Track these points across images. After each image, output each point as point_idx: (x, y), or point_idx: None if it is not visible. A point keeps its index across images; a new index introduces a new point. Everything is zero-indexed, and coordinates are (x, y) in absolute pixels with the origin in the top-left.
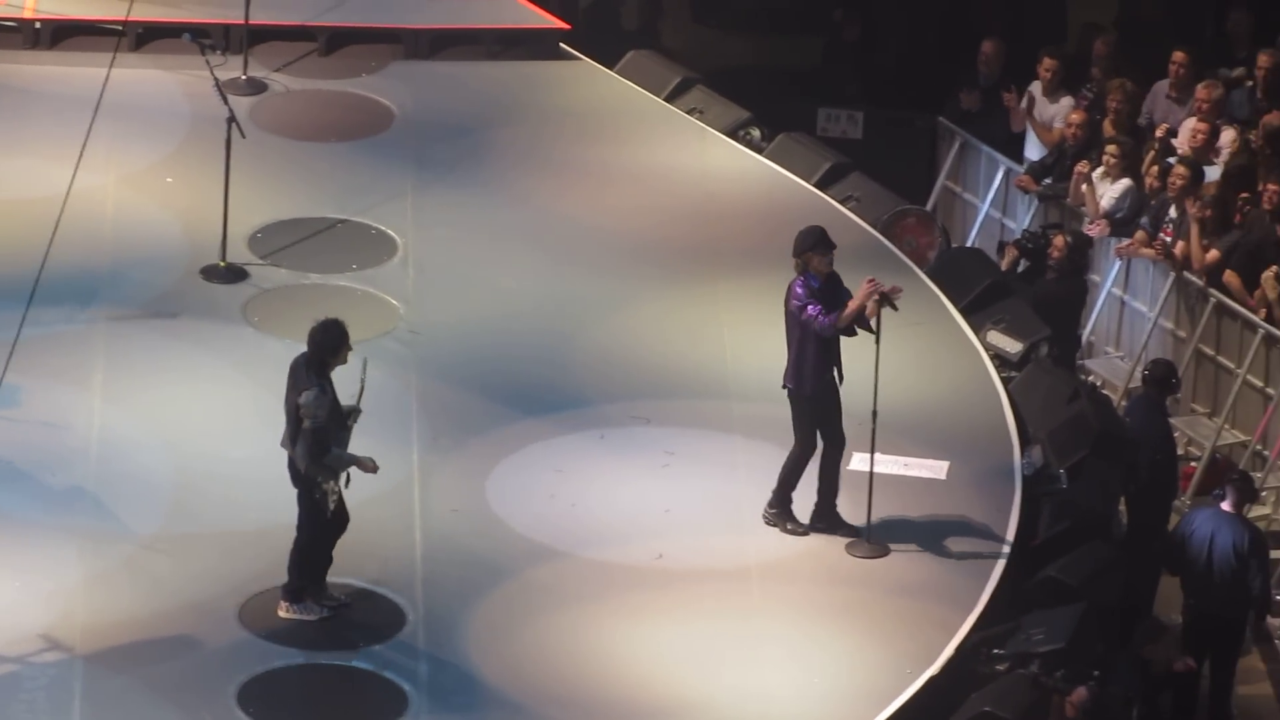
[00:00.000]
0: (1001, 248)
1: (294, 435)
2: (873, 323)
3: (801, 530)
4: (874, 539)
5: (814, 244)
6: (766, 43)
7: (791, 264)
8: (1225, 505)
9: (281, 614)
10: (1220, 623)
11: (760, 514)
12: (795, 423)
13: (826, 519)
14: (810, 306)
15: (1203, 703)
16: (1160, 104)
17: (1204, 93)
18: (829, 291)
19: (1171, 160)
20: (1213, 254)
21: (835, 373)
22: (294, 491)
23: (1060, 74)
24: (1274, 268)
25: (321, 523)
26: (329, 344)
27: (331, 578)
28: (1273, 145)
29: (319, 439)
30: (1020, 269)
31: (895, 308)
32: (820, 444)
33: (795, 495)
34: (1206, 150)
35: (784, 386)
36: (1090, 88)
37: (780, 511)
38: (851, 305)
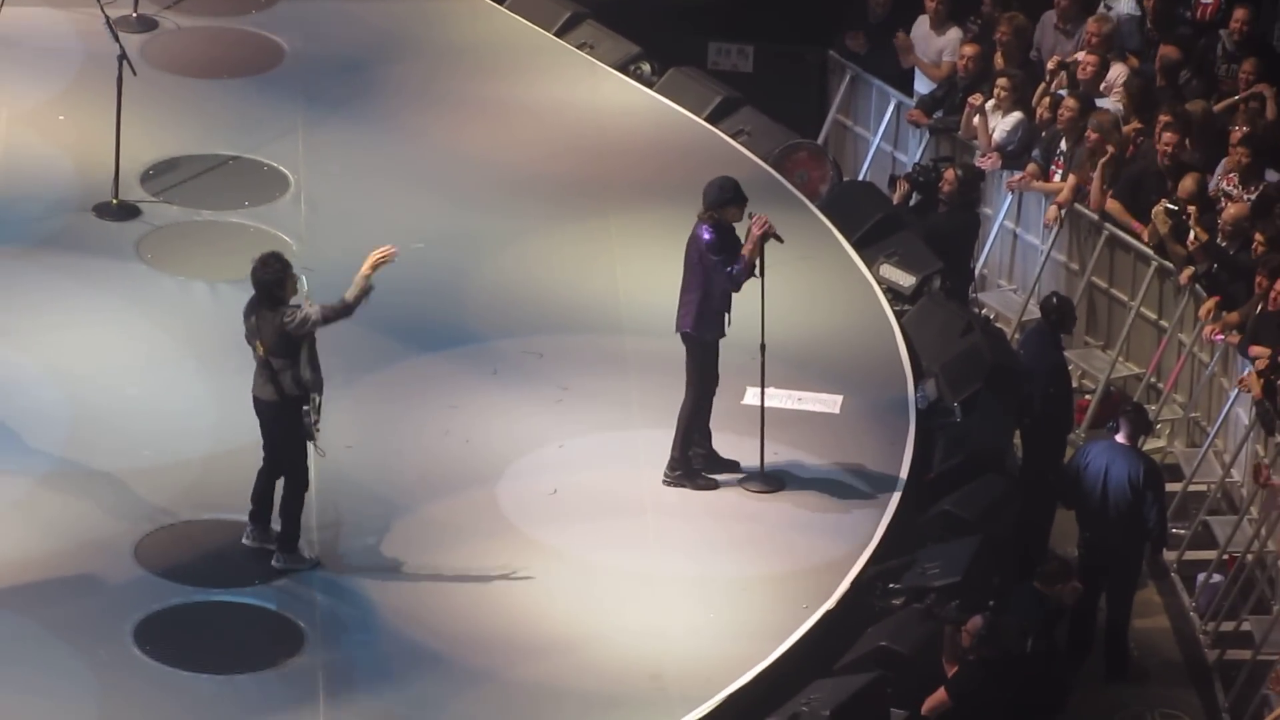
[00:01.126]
0: (893, 181)
1: (272, 374)
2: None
3: (711, 484)
4: (768, 474)
5: (734, 197)
6: None
7: (695, 210)
8: (1119, 437)
9: (276, 565)
10: (1116, 556)
11: (663, 474)
12: (692, 369)
13: (713, 462)
14: (734, 263)
15: (1099, 636)
16: (1049, 35)
17: (1094, 26)
18: (729, 239)
19: (1062, 93)
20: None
21: (728, 316)
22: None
23: (947, 6)
24: (1163, 201)
25: (303, 455)
26: (272, 278)
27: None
28: (1168, 78)
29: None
30: (912, 203)
31: (781, 239)
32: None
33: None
34: (1096, 83)
35: (681, 331)
36: (975, 20)
37: (684, 472)
38: (749, 248)
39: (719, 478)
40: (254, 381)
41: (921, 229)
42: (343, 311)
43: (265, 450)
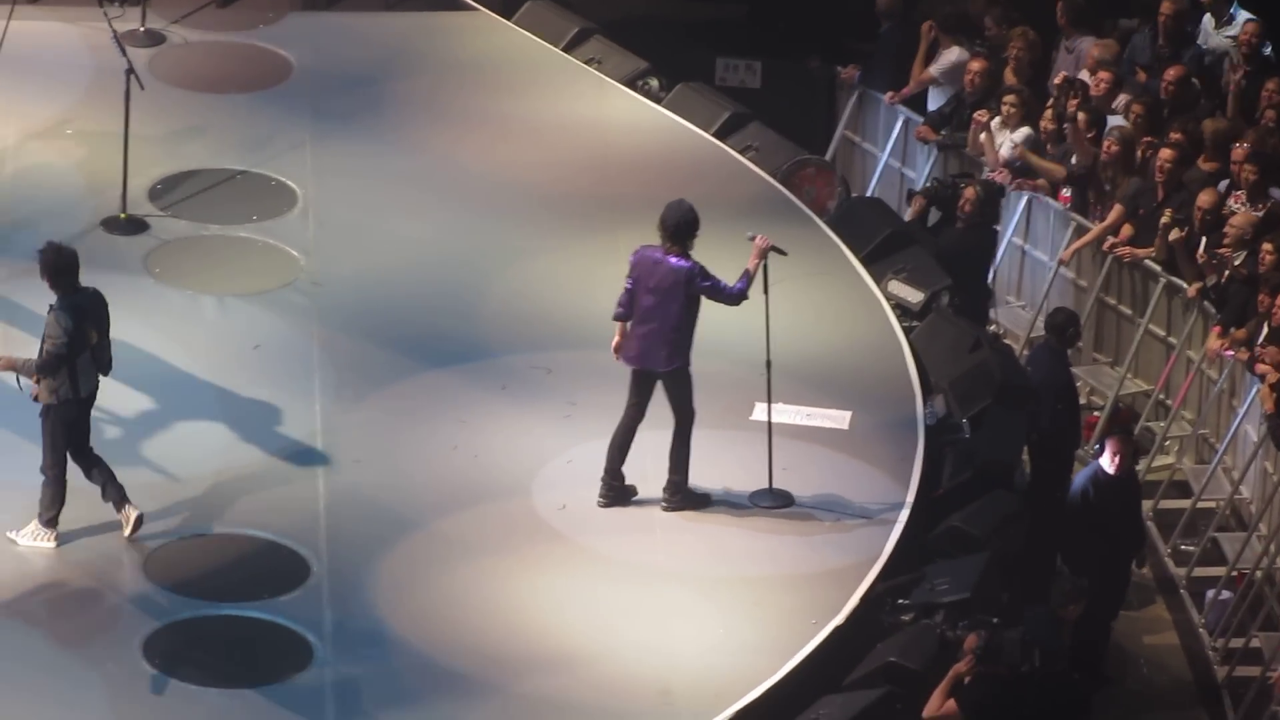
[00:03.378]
0: (909, 197)
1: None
2: (759, 274)
3: (707, 500)
4: (776, 490)
5: (697, 226)
6: None
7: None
8: (1104, 463)
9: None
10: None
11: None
12: (679, 398)
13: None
14: (731, 282)
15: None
16: (1064, 62)
17: (1097, 50)
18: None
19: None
20: (1116, 209)
21: None
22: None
23: (935, 30)
24: (1169, 210)
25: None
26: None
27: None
28: (1177, 100)
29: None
30: (930, 218)
31: (783, 252)
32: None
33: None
34: (1109, 99)
35: (669, 369)
36: (981, 43)
37: (685, 496)
38: (754, 262)
39: (729, 488)
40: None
41: (938, 245)
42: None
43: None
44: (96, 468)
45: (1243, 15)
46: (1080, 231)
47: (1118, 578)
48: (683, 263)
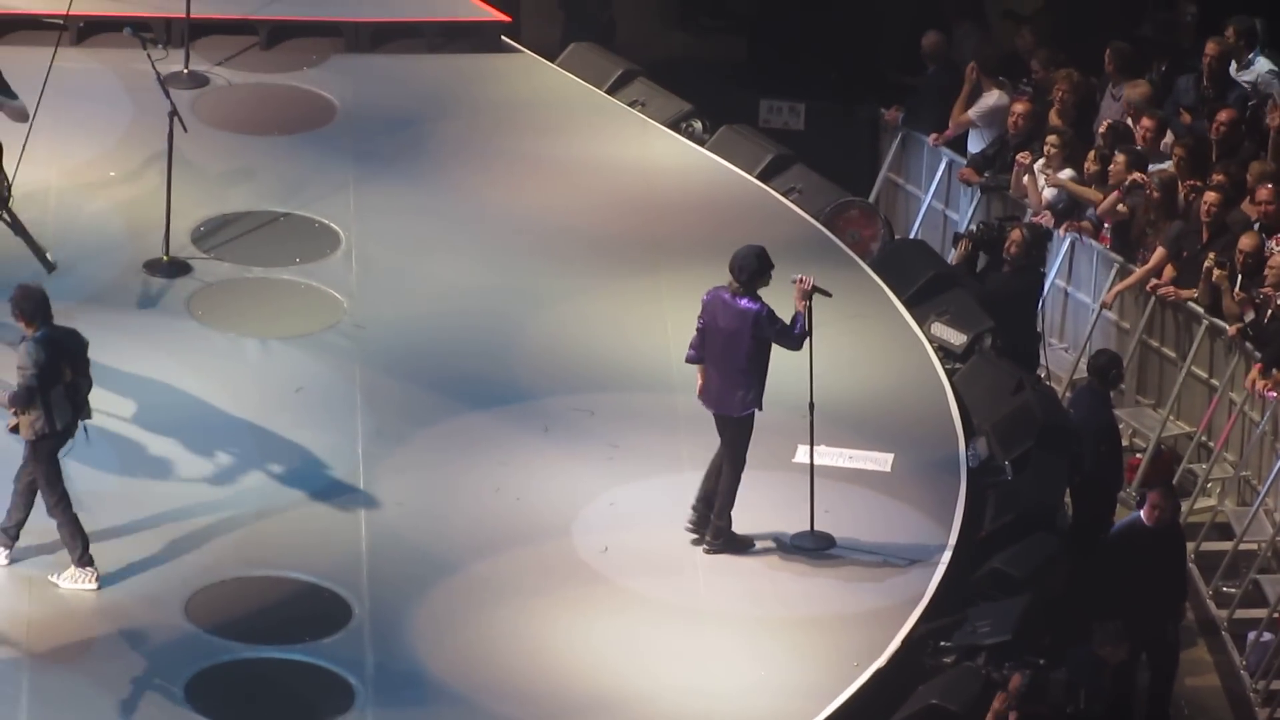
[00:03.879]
0: (955, 240)
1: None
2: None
3: (750, 544)
4: (819, 532)
5: (768, 267)
6: (709, 37)
7: (735, 285)
8: (1142, 514)
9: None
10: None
11: (704, 548)
12: (735, 445)
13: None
14: (789, 324)
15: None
16: (1110, 107)
17: (1134, 94)
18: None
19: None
20: (1159, 252)
21: None
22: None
23: (977, 73)
24: (1212, 255)
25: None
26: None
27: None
28: (1226, 142)
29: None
30: (979, 262)
31: (828, 294)
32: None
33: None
34: (1155, 144)
35: (741, 415)
36: (1027, 82)
37: (727, 540)
38: (801, 305)
39: (773, 531)
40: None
41: (985, 289)
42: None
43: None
44: (19, 507)
45: (1262, 61)
46: (1123, 274)
47: (1158, 635)
48: (750, 305)
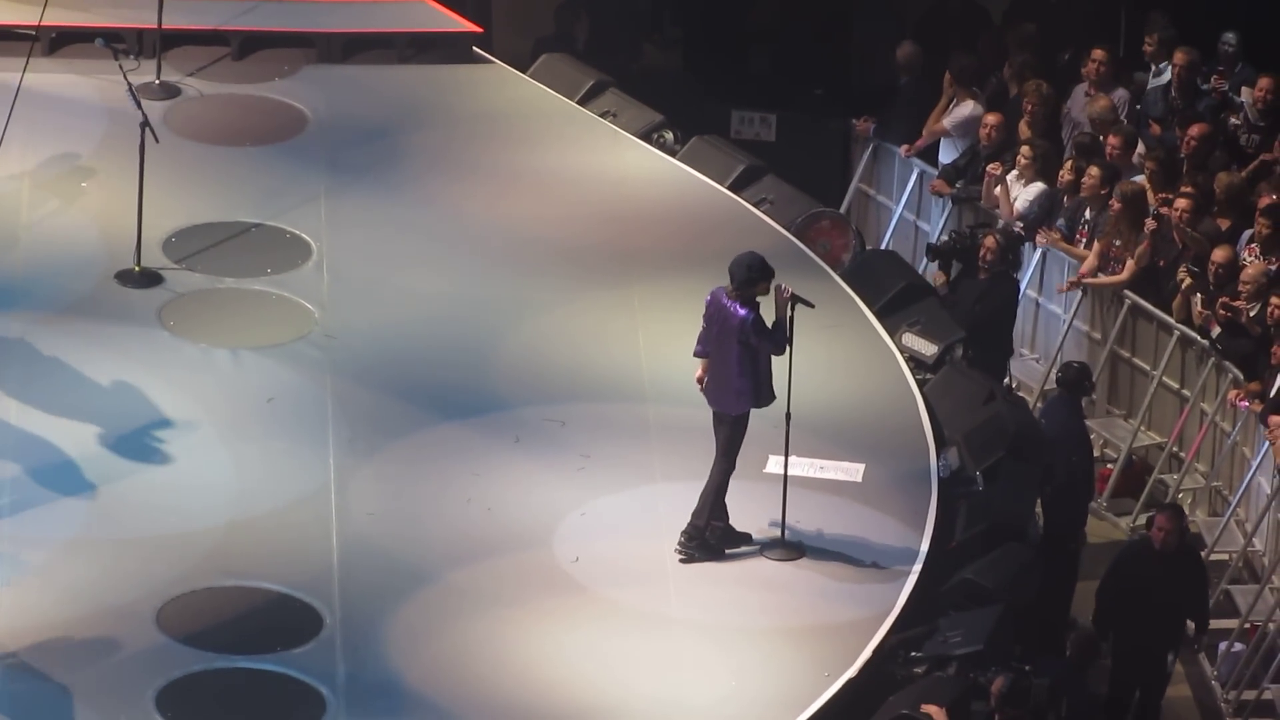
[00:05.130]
0: (929, 251)
1: None
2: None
3: (721, 555)
4: (789, 542)
5: (763, 274)
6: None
7: (716, 279)
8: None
9: None
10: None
11: (676, 551)
12: (726, 444)
13: (730, 536)
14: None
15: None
16: (1079, 102)
17: (1091, 107)
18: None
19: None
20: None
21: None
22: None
23: (963, 78)
24: (1184, 266)
25: None
26: None
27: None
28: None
29: None
30: (952, 271)
31: (811, 304)
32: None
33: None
34: (1126, 157)
35: (735, 415)
36: (997, 82)
37: (700, 543)
38: (780, 314)
39: (735, 550)
40: None
41: (960, 297)
42: None
43: None
44: None
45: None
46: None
47: (1157, 659)
48: (741, 311)
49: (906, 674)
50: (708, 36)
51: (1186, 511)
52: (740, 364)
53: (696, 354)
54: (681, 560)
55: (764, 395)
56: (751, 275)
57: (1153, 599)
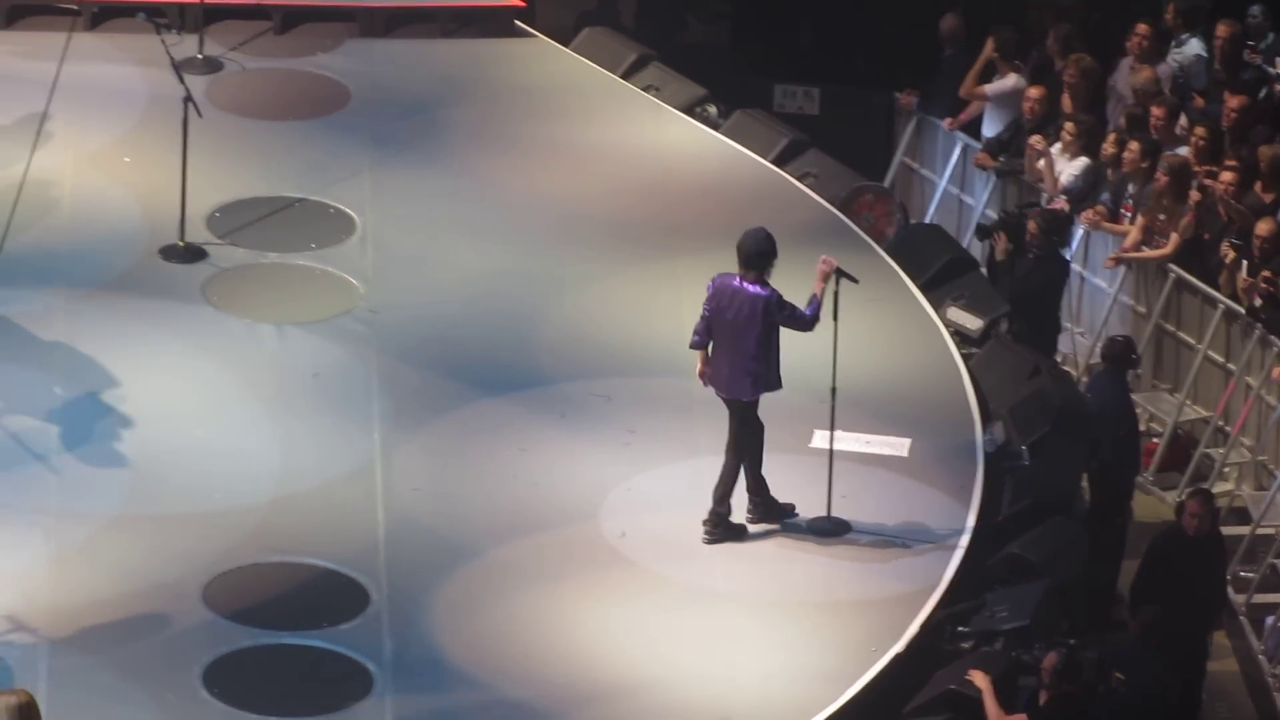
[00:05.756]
0: (982, 231)
1: None
2: (829, 299)
3: (744, 532)
4: (835, 517)
5: (775, 250)
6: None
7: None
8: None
9: None
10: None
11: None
12: (746, 428)
13: (771, 509)
14: (801, 308)
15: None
16: (1124, 76)
17: (1134, 78)
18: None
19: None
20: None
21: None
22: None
23: (1006, 50)
24: (1227, 241)
25: None
26: None
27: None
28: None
29: None
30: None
31: (855, 279)
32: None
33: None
34: (1169, 130)
35: (751, 400)
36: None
37: (726, 528)
38: (818, 288)
39: (773, 525)
40: None
41: (1011, 278)
42: None
43: None
44: None
45: (1194, 42)
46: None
47: (1192, 644)
48: (760, 291)
49: (953, 649)
50: (755, 10)
51: (1233, 485)
52: (760, 347)
53: (694, 345)
54: (706, 541)
55: (776, 379)
56: (769, 249)
57: (1188, 583)
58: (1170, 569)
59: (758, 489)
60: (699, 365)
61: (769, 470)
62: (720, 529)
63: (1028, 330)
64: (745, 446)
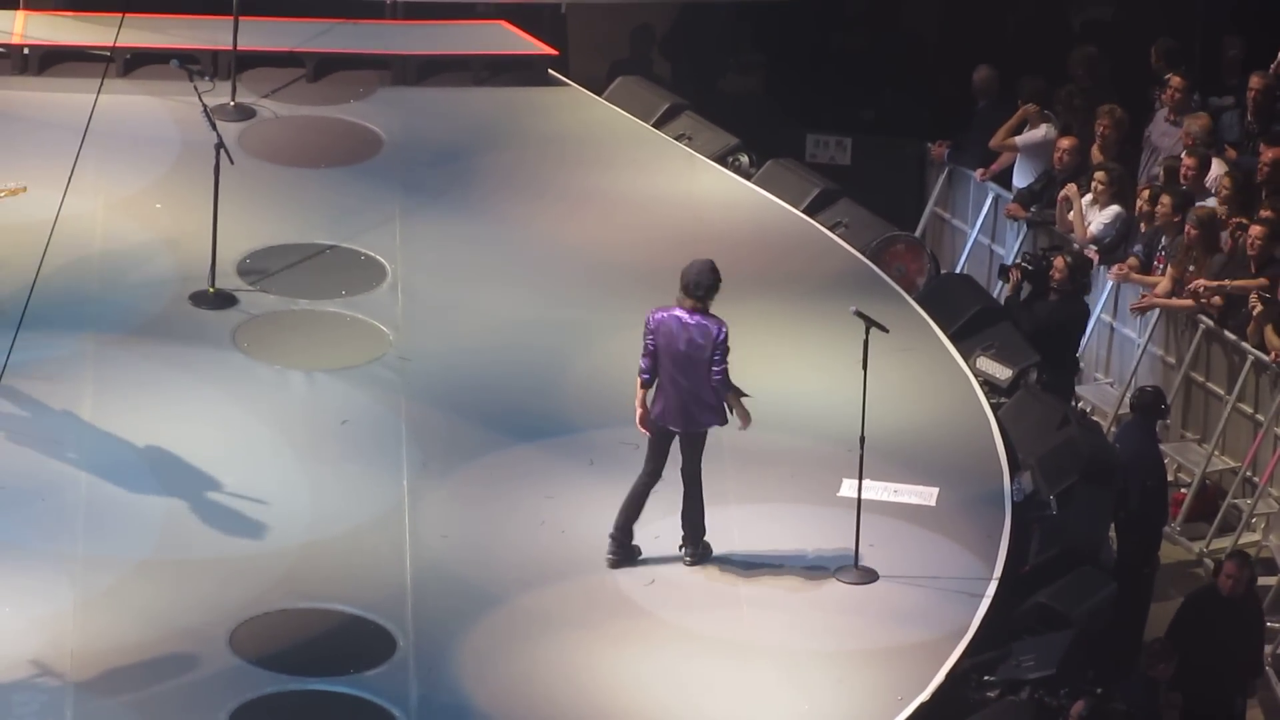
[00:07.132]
0: (1003, 272)
1: None
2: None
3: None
4: (863, 566)
5: (718, 286)
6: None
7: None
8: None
9: None
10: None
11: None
12: (694, 458)
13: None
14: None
15: None
16: (1159, 128)
17: (1191, 124)
18: None
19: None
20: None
21: None
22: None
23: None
24: (1255, 294)
25: None
26: None
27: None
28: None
29: None
30: (1023, 293)
31: (885, 329)
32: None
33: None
34: (1199, 181)
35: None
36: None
37: (705, 548)
38: (731, 400)
39: (815, 565)
40: None
41: (1030, 319)
42: None
43: None
44: None
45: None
46: (1168, 309)
47: (1225, 706)
48: (711, 324)
49: (979, 698)
50: (789, 61)
51: (1260, 536)
52: (705, 377)
53: (645, 383)
54: (610, 565)
55: (724, 412)
56: (711, 284)
57: (1221, 644)
58: (1202, 629)
59: (697, 536)
60: (639, 409)
61: (799, 519)
62: (700, 549)
63: (1044, 370)
64: (698, 478)
